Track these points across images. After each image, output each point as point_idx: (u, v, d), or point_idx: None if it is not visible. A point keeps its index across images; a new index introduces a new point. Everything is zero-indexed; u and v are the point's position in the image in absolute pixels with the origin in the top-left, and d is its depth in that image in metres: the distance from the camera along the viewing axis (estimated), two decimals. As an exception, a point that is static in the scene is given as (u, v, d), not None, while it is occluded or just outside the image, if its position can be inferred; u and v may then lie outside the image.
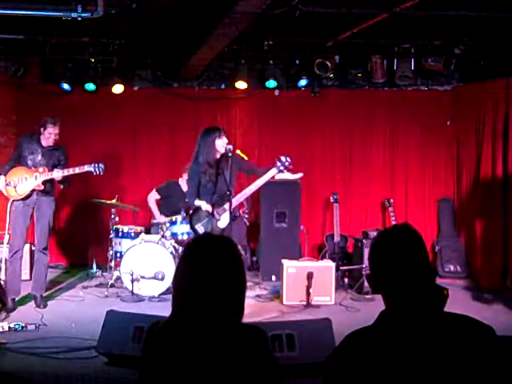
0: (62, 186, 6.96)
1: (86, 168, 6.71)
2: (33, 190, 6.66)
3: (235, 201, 5.98)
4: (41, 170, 6.65)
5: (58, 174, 6.66)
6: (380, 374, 1.94)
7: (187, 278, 2.25)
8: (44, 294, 6.96)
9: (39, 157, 6.73)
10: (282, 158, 6.11)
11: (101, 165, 6.77)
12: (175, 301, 2.27)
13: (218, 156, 6.07)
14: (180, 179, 8.26)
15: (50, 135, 6.70)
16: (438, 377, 1.93)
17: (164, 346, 2.19)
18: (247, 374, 2.14)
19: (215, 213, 6.04)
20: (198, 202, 6.16)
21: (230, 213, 5.75)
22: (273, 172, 6.10)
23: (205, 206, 6.13)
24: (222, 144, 6.02)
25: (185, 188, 8.02)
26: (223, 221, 5.93)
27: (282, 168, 6.11)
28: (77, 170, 6.70)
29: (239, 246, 5.99)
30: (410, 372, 1.93)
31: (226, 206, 5.78)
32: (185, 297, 2.24)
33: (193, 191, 6.20)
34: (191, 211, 6.31)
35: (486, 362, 1.97)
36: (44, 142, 6.74)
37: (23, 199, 6.68)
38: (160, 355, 2.18)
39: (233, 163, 5.98)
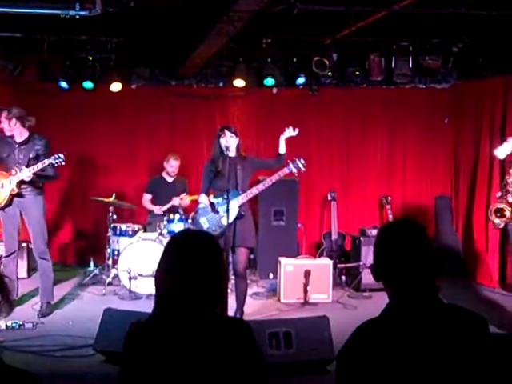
0: (40, 184, 6.53)
1: (47, 161, 6.26)
2: (11, 195, 6.38)
3: (241, 199, 6.00)
4: (13, 172, 6.32)
5: (26, 174, 6.26)
6: (391, 365, 1.98)
7: (166, 274, 2.26)
8: (53, 302, 6.74)
9: (16, 153, 6.42)
10: (297, 160, 6.14)
11: (60, 155, 6.28)
12: (157, 297, 2.29)
13: (227, 154, 6.05)
14: (163, 173, 8.49)
15: None
16: (442, 365, 1.99)
17: (144, 342, 2.19)
18: (232, 366, 2.15)
19: (218, 209, 6.05)
20: (201, 197, 6.23)
21: (228, 210, 5.74)
22: (283, 172, 6.11)
23: (202, 198, 6.20)
24: (223, 143, 6.03)
25: (169, 180, 8.46)
26: (226, 218, 5.90)
27: (294, 170, 6.14)
28: (40, 166, 6.27)
29: (246, 249, 6.04)
30: (418, 361, 1.99)
31: (231, 203, 5.79)
32: (165, 292, 2.25)
33: (203, 187, 6.29)
34: (198, 206, 6.36)
35: (480, 352, 2.04)
36: (17, 138, 6.45)
37: (7, 205, 6.42)
38: (140, 351, 2.18)
39: (236, 162, 6.03)
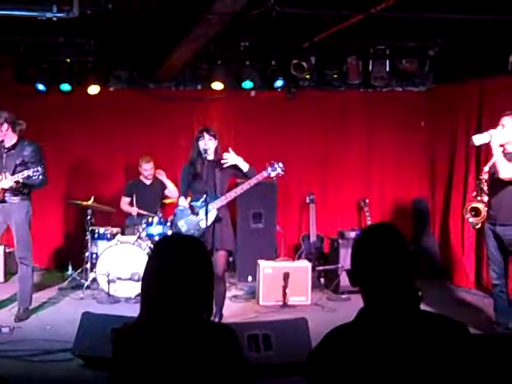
0: (25, 191, 6.41)
1: (26, 173, 6.13)
2: None
3: (219, 202, 5.99)
4: None
5: (6, 183, 6.17)
6: (361, 370, 1.97)
7: (153, 278, 2.25)
8: (30, 307, 6.63)
9: (4, 158, 6.35)
10: (275, 164, 6.09)
11: (38, 169, 6.15)
12: (143, 301, 2.27)
13: (205, 157, 6.05)
14: (140, 177, 8.52)
15: None
16: (415, 372, 1.97)
17: (133, 348, 2.18)
18: (218, 372, 2.15)
19: (197, 211, 6.04)
20: (180, 200, 6.24)
21: (207, 213, 5.74)
22: (262, 176, 6.06)
23: (181, 201, 6.20)
24: (202, 145, 6.03)
25: (147, 182, 8.48)
26: (205, 220, 5.89)
27: (272, 174, 6.10)
28: (20, 176, 6.16)
29: (225, 252, 6.03)
30: (389, 368, 1.98)
31: (209, 206, 5.79)
32: (151, 296, 2.24)
33: (181, 189, 6.31)
34: (176, 208, 6.35)
35: (459, 358, 2.03)
36: (5, 143, 6.37)
37: None
38: (130, 357, 2.17)
39: (214, 165, 6.02)
